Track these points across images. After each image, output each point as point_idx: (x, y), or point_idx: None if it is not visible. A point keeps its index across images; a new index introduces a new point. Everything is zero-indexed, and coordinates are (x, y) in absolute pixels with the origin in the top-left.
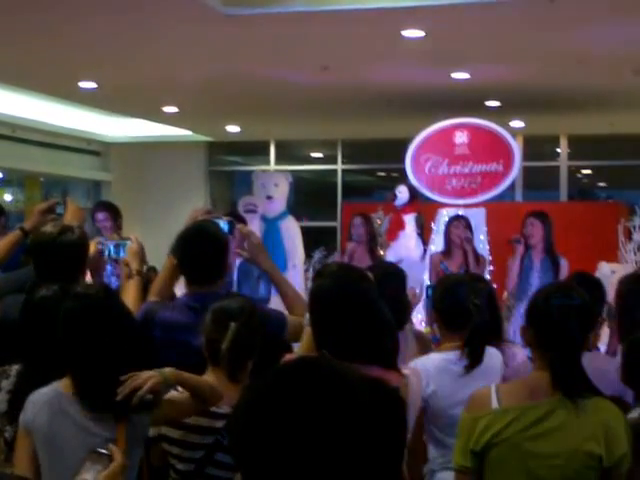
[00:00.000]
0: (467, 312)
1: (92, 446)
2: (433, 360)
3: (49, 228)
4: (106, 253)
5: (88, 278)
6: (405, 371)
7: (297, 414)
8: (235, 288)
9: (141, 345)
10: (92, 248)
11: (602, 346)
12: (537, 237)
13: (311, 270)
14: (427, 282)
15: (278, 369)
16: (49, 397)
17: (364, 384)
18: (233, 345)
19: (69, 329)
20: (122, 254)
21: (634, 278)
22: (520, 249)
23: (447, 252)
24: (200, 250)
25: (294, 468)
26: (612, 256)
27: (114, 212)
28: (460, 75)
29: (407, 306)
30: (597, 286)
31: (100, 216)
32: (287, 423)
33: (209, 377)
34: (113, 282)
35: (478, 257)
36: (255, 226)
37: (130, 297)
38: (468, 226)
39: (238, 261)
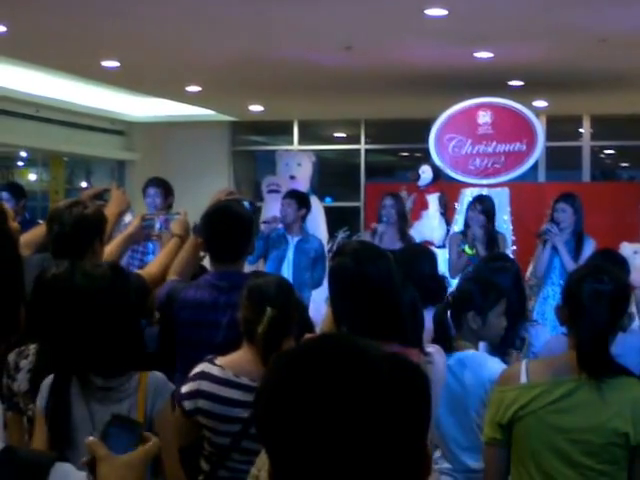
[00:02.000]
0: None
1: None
2: None
3: (64, 201)
4: (157, 227)
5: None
6: (429, 349)
7: (319, 390)
8: (290, 260)
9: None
10: (136, 222)
11: None
12: (567, 222)
13: (334, 250)
14: (447, 262)
15: (300, 346)
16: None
17: (385, 359)
18: (269, 329)
19: (74, 307)
20: (171, 227)
21: None
22: (553, 236)
23: (465, 233)
24: (227, 229)
25: (316, 443)
26: (634, 236)
27: (166, 189)
28: (483, 54)
29: (442, 284)
30: (621, 264)
31: (151, 191)
32: (310, 399)
33: (245, 352)
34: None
35: (495, 238)
36: (278, 206)
37: (162, 252)
38: (485, 211)
39: (296, 238)
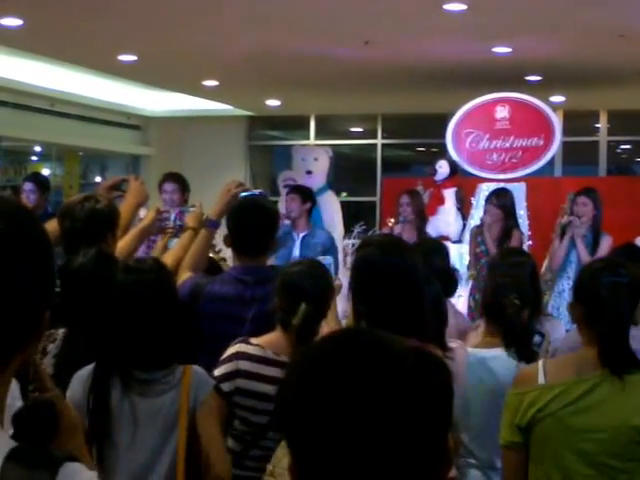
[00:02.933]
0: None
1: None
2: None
3: (76, 197)
4: (172, 219)
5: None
6: (452, 344)
7: (344, 384)
8: (297, 256)
9: (185, 318)
10: (151, 215)
11: None
12: (587, 216)
13: (350, 245)
14: (466, 256)
15: (325, 340)
16: (87, 375)
17: (410, 353)
18: (303, 323)
19: (120, 302)
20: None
21: None
22: (574, 229)
23: (482, 226)
24: (255, 223)
25: (339, 437)
26: None
27: (183, 185)
28: (502, 49)
29: (453, 279)
30: None
31: (168, 187)
32: (334, 394)
33: (279, 334)
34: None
35: (511, 232)
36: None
37: (177, 245)
38: (502, 205)
39: (303, 233)
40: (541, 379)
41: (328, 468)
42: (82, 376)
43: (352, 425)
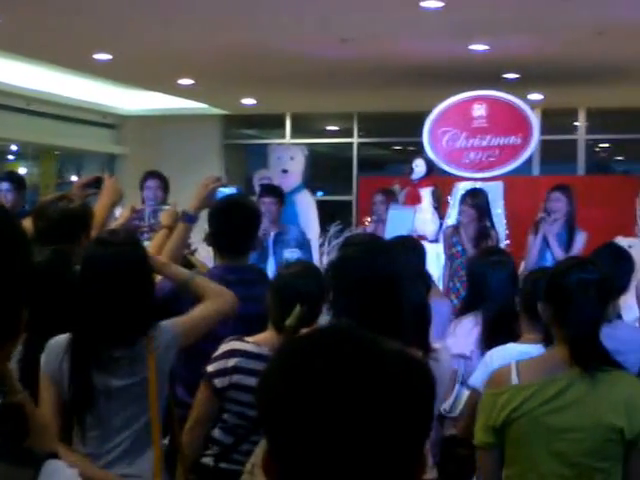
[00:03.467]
0: None
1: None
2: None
3: (49, 196)
4: (146, 218)
5: None
6: (436, 345)
7: (324, 381)
8: (270, 254)
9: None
10: (126, 213)
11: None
12: (562, 212)
13: (326, 244)
14: (443, 256)
15: (310, 335)
16: (65, 343)
17: (392, 353)
18: (297, 324)
19: (92, 275)
20: (159, 219)
21: None
22: (545, 226)
23: (457, 227)
24: (239, 223)
25: (317, 434)
26: (629, 230)
27: (165, 182)
28: (479, 47)
29: (425, 281)
30: (626, 258)
31: (151, 183)
32: (314, 389)
33: (272, 334)
34: None
35: (487, 233)
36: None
37: (152, 244)
38: (476, 205)
39: (273, 232)
40: (514, 379)
41: (305, 465)
42: (58, 346)
43: (330, 424)
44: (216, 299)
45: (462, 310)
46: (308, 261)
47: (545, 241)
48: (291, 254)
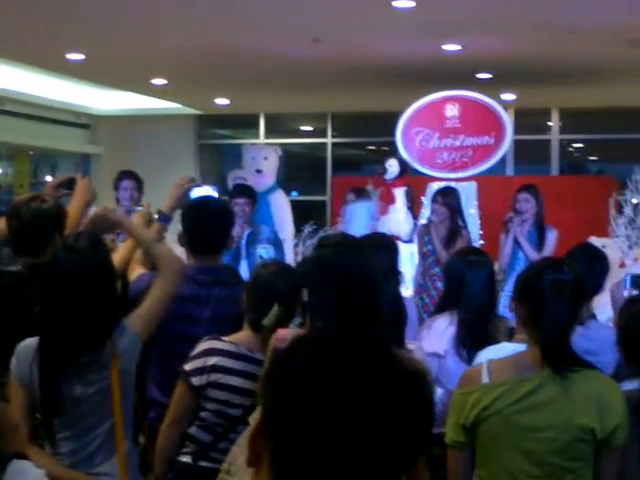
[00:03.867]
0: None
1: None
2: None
3: (23, 197)
4: None
5: None
6: (411, 346)
7: (334, 382)
8: (244, 254)
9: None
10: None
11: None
12: (530, 212)
13: (301, 245)
14: (417, 256)
15: (318, 335)
16: (35, 346)
17: (404, 361)
18: (275, 324)
19: (58, 279)
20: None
21: None
22: (515, 227)
23: (429, 225)
24: (212, 223)
25: (317, 437)
26: (603, 230)
27: (140, 183)
28: (451, 47)
29: (399, 279)
30: (601, 258)
31: (127, 184)
32: (324, 392)
33: (249, 333)
34: None
35: (459, 233)
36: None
37: (125, 246)
38: (447, 204)
39: (246, 232)
40: (485, 378)
41: (303, 462)
42: (27, 349)
43: (335, 424)
44: (167, 274)
45: (438, 309)
46: (283, 261)
47: (516, 241)
48: (265, 250)
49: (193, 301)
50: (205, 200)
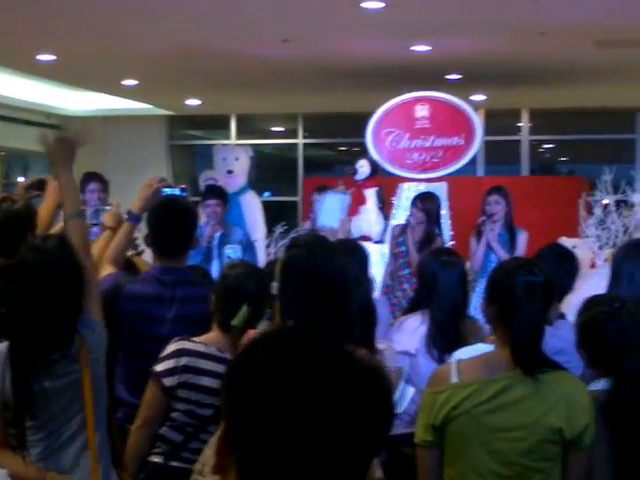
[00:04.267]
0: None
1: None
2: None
3: None
4: (88, 218)
5: None
6: (380, 346)
7: (285, 386)
8: (215, 255)
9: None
10: None
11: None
12: (500, 214)
13: (272, 245)
14: (387, 256)
15: (273, 333)
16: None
17: (359, 359)
18: (244, 324)
19: (26, 281)
20: (101, 219)
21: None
22: (487, 231)
23: (406, 227)
24: (175, 224)
25: (278, 434)
26: (573, 231)
27: (105, 184)
28: (421, 48)
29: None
30: (569, 258)
31: (93, 187)
32: (276, 391)
33: (218, 334)
34: None
35: (433, 239)
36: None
37: (96, 246)
38: (425, 209)
39: (218, 233)
40: (454, 378)
41: (268, 464)
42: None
43: (291, 422)
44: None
45: (409, 308)
46: (250, 262)
47: (489, 244)
48: (233, 251)
49: (157, 301)
50: (169, 201)
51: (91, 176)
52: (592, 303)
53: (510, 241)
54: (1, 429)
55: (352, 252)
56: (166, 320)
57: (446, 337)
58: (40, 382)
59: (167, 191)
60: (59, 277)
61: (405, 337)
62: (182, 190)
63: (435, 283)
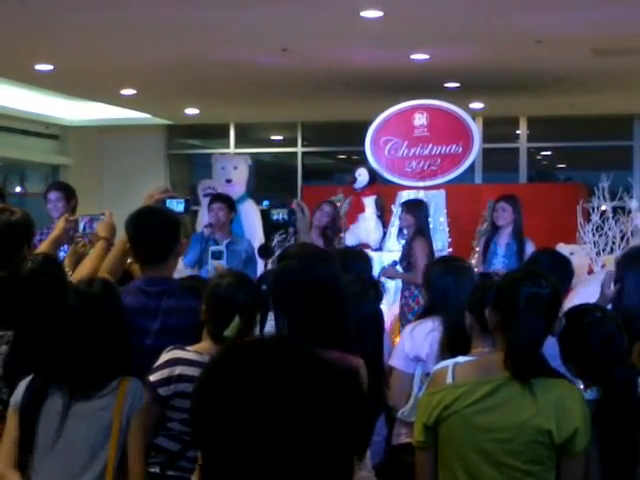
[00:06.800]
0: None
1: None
2: None
3: None
4: (81, 228)
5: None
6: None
7: (255, 391)
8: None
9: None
10: (61, 224)
11: None
12: (507, 221)
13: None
14: (384, 263)
15: (246, 345)
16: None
17: (330, 365)
18: (236, 335)
19: (69, 325)
20: (95, 228)
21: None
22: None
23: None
24: (149, 231)
25: (246, 443)
26: (571, 237)
27: (68, 193)
28: (419, 56)
29: (377, 287)
30: (564, 263)
31: (52, 196)
32: (246, 400)
33: (210, 345)
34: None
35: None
36: None
37: (91, 256)
38: (412, 212)
39: (226, 241)
40: (449, 380)
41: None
42: (25, 384)
43: (259, 433)
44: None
45: (421, 315)
46: (240, 271)
47: (495, 251)
48: (216, 248)
49: (141, 313)
50: (143, 210)
51: (52, 185)
52: (572, 314)
53: (519, 252)
54: (14, 449)
55: (355, 259)
56: (151, 331)
57: (459, 342)
58: (64, 424)
59: (168, 202)
60: (100, 322)
61: (417, 342)
62: (187, 202)
63: (448, 288)
